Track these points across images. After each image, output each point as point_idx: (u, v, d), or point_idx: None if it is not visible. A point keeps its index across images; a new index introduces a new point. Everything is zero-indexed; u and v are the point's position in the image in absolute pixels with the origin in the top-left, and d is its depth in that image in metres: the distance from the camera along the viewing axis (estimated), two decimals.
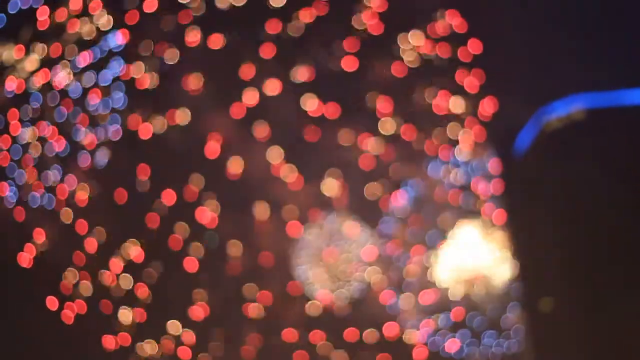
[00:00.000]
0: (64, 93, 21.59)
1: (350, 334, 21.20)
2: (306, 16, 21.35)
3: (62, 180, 21.54)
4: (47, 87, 21.63)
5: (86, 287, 21.34)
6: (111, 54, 21.45)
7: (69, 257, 21.44)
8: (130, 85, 21.50)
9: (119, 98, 21.42)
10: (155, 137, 21.47)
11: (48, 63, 21.56)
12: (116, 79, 21.43)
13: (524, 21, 20.51)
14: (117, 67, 21.45)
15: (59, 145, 21.59)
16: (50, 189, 21.54)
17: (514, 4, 20.65)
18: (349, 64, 21.41)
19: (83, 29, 21.39)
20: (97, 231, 21.45)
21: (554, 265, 18.69)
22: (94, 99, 21.50)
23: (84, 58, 21.44)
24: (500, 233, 20.90)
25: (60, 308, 21.24)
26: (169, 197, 21.42)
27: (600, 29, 20.49)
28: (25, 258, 21.33)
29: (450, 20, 21.41)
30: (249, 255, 21.39)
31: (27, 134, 21.60)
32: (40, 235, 21.43)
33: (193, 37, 21.41)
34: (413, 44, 21.43)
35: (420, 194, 21.38)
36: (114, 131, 21.49)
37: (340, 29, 21.41)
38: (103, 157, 21.50)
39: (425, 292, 21.32)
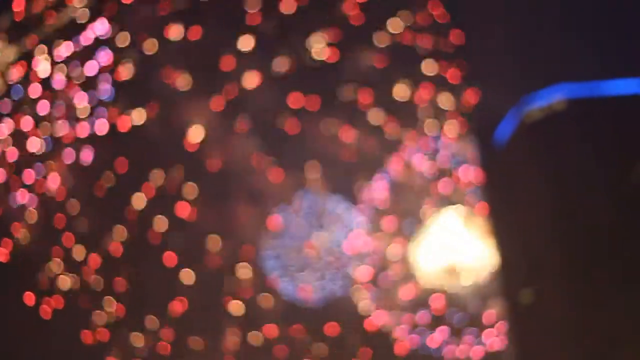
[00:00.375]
0: (45, 85, 21.41)
1: (330, 328, 20.99)
2: (287, 7, 21.20)
3: (41, 175, 21.34)
4: (27, 79, 21.42)
5: (64, 282, 21.11)
6: (95, 45, 21.27)
7: (47, 252, 21.22)
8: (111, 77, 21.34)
9: (104, 90, 21.25)
10: (134, 129, 21.26)
11: (27, 55, 21.37)
12: (100, 70, 21.24)
13: (506, 13, 20.40)
14: (100, 58, 21.25)
15: (39, 139, 21.40)
16: (29, 184, 21.35)
17: None
18: (330, 56, 21.24)
19: (62, 19, 21.21)
20: (75, 225, 21.23)
21: (535, 254, 18.57)
22: (77, 92, 21.31)
23: (67, 48, 21.24)
24: (482, 223, 20.74)
25: (38, 303, 21.00)
26: (148, 190, 21.20)
27: (581, 21, 20.46)
28: (2, 253, 21.12)
29: (432, 11, 21.26)
30: (229, 249, 21.18)
31: (6, 128, 21.38)
32: (17, 230, 21.21)
33: (173, 29, 21.22)
34: (394, 35, 21.27)
35: (401, 185, 21.22)
36: (98, 125, 21.28)
37: (321, 20, 21.24)
38: (88, 153, 21.30)
39: (405, 286, 21.12)
